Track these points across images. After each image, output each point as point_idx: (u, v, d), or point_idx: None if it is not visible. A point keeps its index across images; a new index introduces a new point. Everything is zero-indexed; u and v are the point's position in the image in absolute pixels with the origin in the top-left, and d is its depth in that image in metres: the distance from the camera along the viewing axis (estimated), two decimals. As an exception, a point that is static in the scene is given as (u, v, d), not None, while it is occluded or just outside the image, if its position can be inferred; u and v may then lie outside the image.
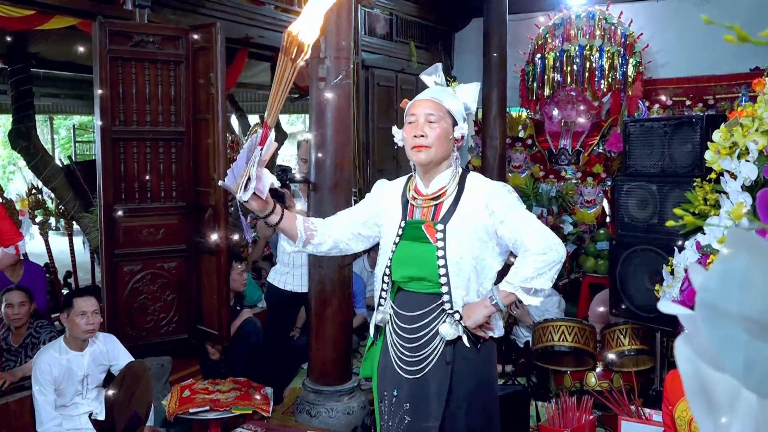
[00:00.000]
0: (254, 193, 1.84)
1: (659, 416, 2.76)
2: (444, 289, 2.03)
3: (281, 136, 7.43)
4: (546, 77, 6.36)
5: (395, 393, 2.11)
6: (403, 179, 2.23)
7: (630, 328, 3.90)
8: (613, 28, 6.20)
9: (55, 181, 5.50)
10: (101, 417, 3.31)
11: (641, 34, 6.23)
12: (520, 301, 2.02)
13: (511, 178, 6.40)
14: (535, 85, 6.46)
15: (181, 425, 3.65)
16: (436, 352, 2.05)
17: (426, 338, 2.06)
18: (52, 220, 6.43)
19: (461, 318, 2.02)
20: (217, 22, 4.07)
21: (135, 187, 4.04)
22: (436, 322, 2.05)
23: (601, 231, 5.89)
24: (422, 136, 2.03)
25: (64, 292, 5.57)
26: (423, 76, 2.22)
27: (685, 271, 2.75)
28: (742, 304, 0.45)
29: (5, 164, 16.67)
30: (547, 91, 6.37)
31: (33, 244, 7.19)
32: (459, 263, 2.01)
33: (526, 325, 4.60)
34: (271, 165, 7.05)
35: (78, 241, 6.22)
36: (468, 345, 2.04)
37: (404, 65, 6.61)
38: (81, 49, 4.96)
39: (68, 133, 15.52)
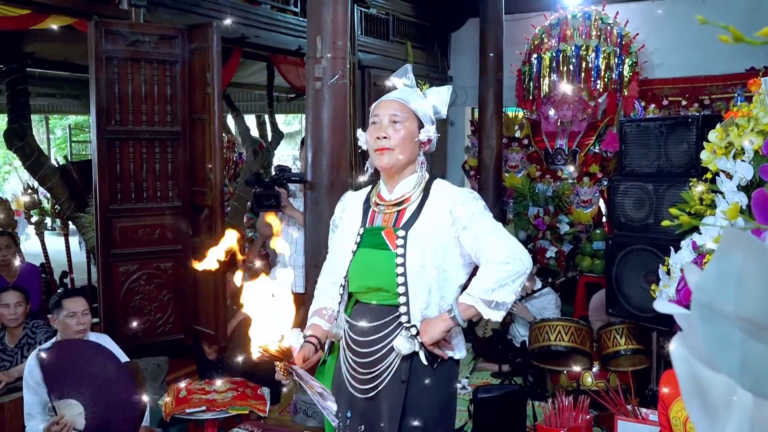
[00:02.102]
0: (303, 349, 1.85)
1: (656, 416, 2.76)
2: (402, 299, 1.89)
3: (278, 136, 7.41)
4: (542, 77, 6.37)
5: (348, 414, 1.98)
6: (369, 188, 2.13)
7: (626, 328, 3.90)
8: (609, 28, 6.20)
9: (50, 181, 5.48)
10: (97, 417, 3.30)
11: (637, 34, 6.24)
12: (481, 317, 1.86)
13: (508, 178, 6.40)
14: (531, 85, 6.47)
15: (178, 425, 3.64)
16: (390, 369, 1.91)
17: (380, 354, 1.92)
18: (48, 220, 6.41)
19: (418, 333, 1.88)
20: (213, 22, 4.07)
21: (131, 187, 4.04)
22: (392, 337, 1.91)
23: (598, 231, 5.89)
24: (385, 137, 1.93)
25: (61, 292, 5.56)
26: (393, 78, 2.12)
27: (682, 270, 2.75)
28: (738, 304, 0.45)
29: (1, 164, 16.63)
30: (543, 91, 6.38)
31: (29, 245, 7.19)
32: (420, 272, 1.88)
33: (526, 321, 4.60)
34: (269, 164, 7.05)
35: (74, 241, 6.21)
36: (425, 363, 1.90)
37: (401, 65, 6.59)
38: (76, 48, 4.94)
39: (64, 133, 15.49)
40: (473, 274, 1.96)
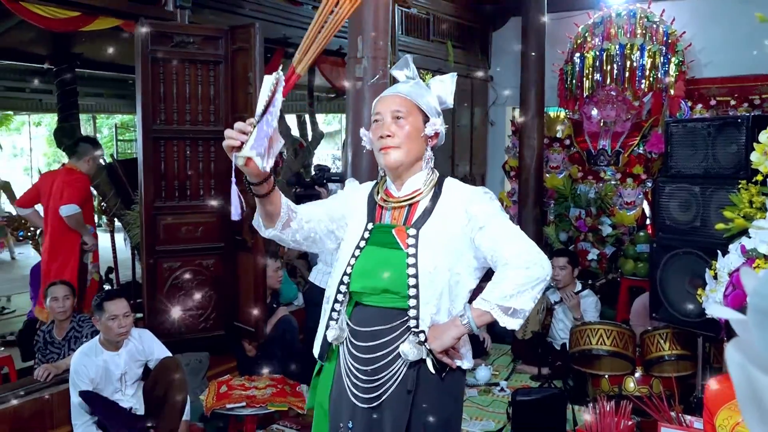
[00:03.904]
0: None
1: (701, 423, 2.70)
2: (411, 302, 1.75)
3: (317, 135, 7.47)
4: (585, 76, 6.28)
5: (350, 425, 1.83)
6: (371, 183, 2.00)
7: (670, 333, 3.82)
8: (654, 26, 6.08)
9: (97, 178, 5.62)
10: (141, 412, 3.37)
11: (684, 32, 6.10)
12: (495, 322, 1.72)
13: (549, 179, 6.33)
14: (573, 84, 6.38)
15: (218, 420, 3.70)
16: (396, 377, 1.78)
17: (385, 360, 1.78)
18: (95, 217, 6.58)
19: (426, 339, 1.75)
20: (256, 23, 4.12)
21: (175, 185, 4.11)
22: (398, 342, 1.77)
23: (641, 233, 5.79)
24: (389, 135, 1.80)
25: (106, 287, 5.69)
26: (393, 71, 1.96)
27: (729, 275, 2.68)
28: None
29: (50, 162, 17.12)
30: (586, 91, 6.29)
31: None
32: (432, 274, 1.75)
33: (573, 317, 4.54)
34: (309, 164, 7.10)
35: (119, 237, 6.36)
36: (432, 371, 1.77)
37: (441, 65, 6.59)
38: (123, 49, 5.06)
39: (110, 132, 15.88)
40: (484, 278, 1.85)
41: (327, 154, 15.33)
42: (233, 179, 1.61)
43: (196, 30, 4.14)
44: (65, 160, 5.29)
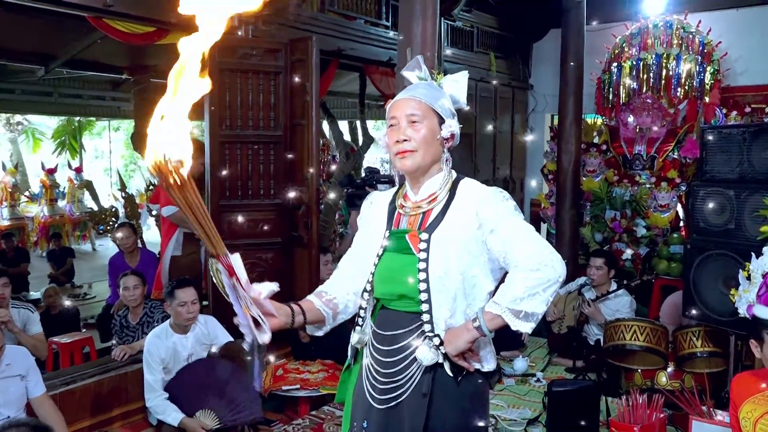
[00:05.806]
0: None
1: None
2: (424, 307, 1.66)
3: (368, 140, 7.49)
4: (622, 85, 6.14)
5: (365, 425, 1.76)
6: (395, 188, 1.89)
7: (703, 330, 3.71)
8: (691, 36, 5.90)
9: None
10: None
11: (720, 42, 5.91)
12: (508, 326, 1.59)
13: (586, 182, 6.21)
14: (611, 92, 6.25)
15: (275, 401, 3.76)
16: (412, 380, 1.68)
17: (403, 364, 1.70)
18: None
19: (442, 343, 1.65)
20: (313, 36, 4.17)
21: (238, 184, 4.20)
22: (414, 346, 1.68)
23: (675, 235, 5.63)
24: (405, 140, 1.70)
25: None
26: (405, 72, 1.83)
27: (763, 276, 2.60)
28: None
29: (127, 163, 17.66)
30: (622, 99, 6.15)
31: (150, 234, 7.59)
32: (443, 278, 1.65)
33: (598, 323, 4.46)
34: (359, 167, 7.14)
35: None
36: (450, 374, 1.67)
37: (484, 74, 6.54)
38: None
39: (180, 136, 16.23)
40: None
41: (375, 158, 15.37)
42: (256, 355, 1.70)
43: (258, 43, 4.21)
44: (141, 161, 5.45)
